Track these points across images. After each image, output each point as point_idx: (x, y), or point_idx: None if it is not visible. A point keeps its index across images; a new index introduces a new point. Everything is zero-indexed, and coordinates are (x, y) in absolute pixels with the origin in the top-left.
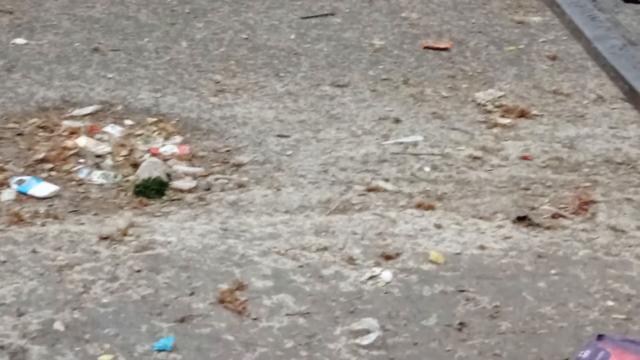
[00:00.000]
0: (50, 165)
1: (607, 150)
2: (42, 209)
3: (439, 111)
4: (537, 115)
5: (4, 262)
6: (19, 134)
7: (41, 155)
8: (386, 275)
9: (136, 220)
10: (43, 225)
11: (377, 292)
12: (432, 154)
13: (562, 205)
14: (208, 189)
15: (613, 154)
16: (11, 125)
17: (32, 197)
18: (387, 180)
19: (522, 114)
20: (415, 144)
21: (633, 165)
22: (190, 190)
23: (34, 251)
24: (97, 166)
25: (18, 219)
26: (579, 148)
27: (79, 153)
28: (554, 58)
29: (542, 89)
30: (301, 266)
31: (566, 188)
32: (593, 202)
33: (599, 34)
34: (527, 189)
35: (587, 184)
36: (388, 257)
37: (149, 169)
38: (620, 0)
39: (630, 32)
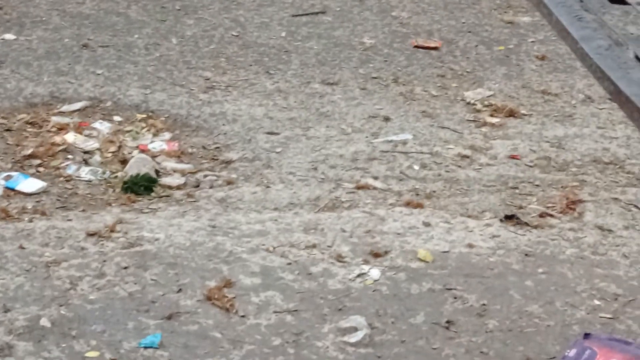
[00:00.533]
0: (38, 161)
1: (595, 150)
2: (29, 204)
3: (429, 110)
4: (525, 115)
5: None
6: (7, 130)
7: (29, 151)
8: (374, 273)
9: (124, 217)
10: (30, 221)
11: (365, 289)
12: (421, 153)
13: (549, 205)
14: (197, 186)
15: (601, 153)
16: None
17: (19, 192)
18: (376, 178)
19: (511, 114)
20: (404, 143)
21: (620, 165)
22: (178, 187)
23: (21, 247)
24: (86, 162)
25: (5, 215)
26: (567, 148)
27: (67, 149)
28: (542, 58)
29: (530, 88)
30: (289, 263)
31: (554, 187)
32: (581, 201)
33: (585, 35)
34: (515, 188)
35: (575, 184)
36: (376, 255)
37: (137, 166)
38: (607, 0)
39: (616, 33)
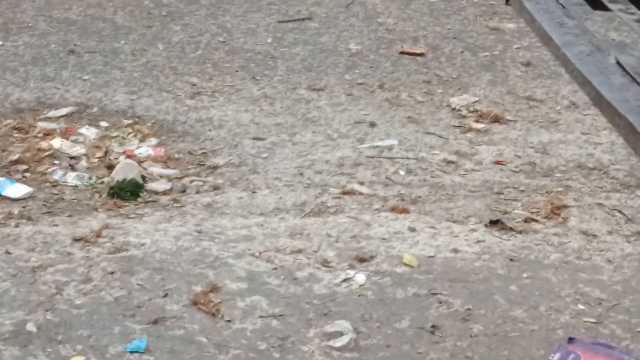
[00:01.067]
0: (24, 167)
1: (579, 155)
2: (15, 210)
3: (414, 115)
4: (510, 121)
5: None
6: None
7: (16, 157)
8: (360, 277)
9: (110, 222)
10: (17, 226)
11: (350, 294)
12: (407, 158)
13: (534, 210)
14: (183, 191)
15: (585, 159)
16: None
17: (6, 198)
18: (362, 183)
19: (496, 119)
20: (390, 148)
21: (605, 170)
22: (165, 192)
23: (7, 252)
24: (72, 168)
25: None
26: (551, 153)
27: (54, 154)
28: (527, 64)
29: (515, 94)
30: (275, 268)
31: (539, 193)
32: (565, 206)
33: (567, 40)
34: (500, 193)
35: (560, 189)
36: (362, 260)
37: (123, 171)
38: (589, 7)
39: (597, 39)
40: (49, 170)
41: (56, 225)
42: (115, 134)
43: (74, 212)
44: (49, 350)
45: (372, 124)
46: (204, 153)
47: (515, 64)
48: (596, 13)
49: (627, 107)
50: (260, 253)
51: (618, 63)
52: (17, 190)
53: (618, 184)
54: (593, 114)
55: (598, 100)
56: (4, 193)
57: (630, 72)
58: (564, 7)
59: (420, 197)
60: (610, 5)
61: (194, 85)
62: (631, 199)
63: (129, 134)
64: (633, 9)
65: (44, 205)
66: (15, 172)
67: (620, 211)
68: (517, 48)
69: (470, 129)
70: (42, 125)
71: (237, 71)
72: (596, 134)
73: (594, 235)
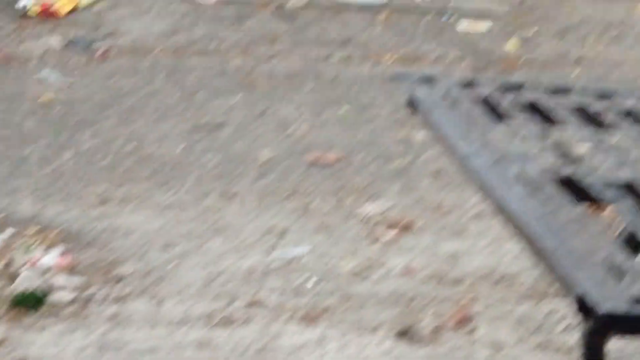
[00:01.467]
0: None
1: (487, 265)
2: None
3: (324, 225)
4: (420, 230)
5: None
6: None
7: None
8: None
9: (11, 335)
10: None
11: None
12: (316, 268)
13: (443, 320)
14: (88, 302)
15: (492, 269)
16: None
17: None
18: (270, 293)
19: (406, 228)
20: (299, 257)
21: (512, 280)
22: (69, 303)
23: None
24: None
25: None
26: (460, 263)
27: None
28: (437, 173)
29: (425, 203)
30: None
31: (447, 302)
32: (473, 316)
33: (471, 151)
34: (409, 302)
35: (468, 298)
36: None
37: (27, 281)
38: (493, 119)
39: (500, 150)
40: None
41: None
42: (19, 242)
43: None
44: None
45: (282, 233)
46: (110, 262)
47: (425, 173)
48: (499, 125)
49: (527, 218)
50: None
51: (520, 174)
52: None
53: (524, 294)
54: (500, 223)
55: (501, 211)
56: None
57: (531, 184)
58: (468, 120)
59: (329, 307)
60: (513, 118)
61: (102, 193)
62: (537, 309)
63: (35, 242)
64: (536, 121)
65: None
66: None
67: (526, 321)
68: (427, 158)
69: (379, 238)
70: None
71: (147, 179)
72: (503, 243)
73: (502, 346)
